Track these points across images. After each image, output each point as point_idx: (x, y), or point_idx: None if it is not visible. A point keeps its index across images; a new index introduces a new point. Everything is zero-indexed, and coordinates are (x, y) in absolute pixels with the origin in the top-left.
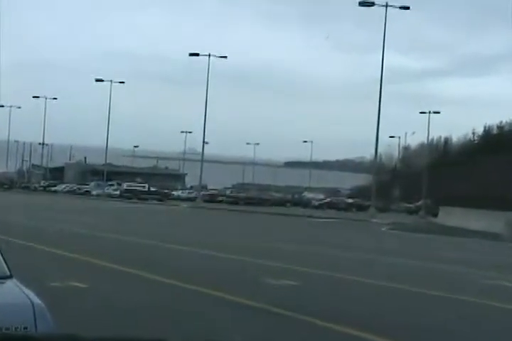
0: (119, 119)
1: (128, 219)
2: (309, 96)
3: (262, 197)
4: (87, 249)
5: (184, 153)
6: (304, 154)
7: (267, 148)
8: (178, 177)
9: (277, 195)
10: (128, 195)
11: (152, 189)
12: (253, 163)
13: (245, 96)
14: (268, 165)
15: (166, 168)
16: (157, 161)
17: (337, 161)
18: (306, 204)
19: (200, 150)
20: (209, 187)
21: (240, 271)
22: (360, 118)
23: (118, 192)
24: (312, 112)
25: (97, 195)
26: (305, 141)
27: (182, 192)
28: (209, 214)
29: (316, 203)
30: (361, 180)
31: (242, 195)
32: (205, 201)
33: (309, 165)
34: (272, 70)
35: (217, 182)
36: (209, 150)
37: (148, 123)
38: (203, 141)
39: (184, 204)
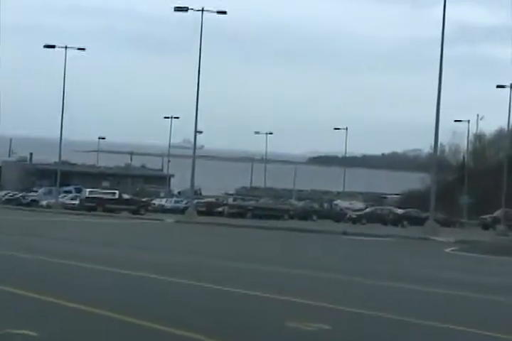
0: (79, 101)
1: (87, 238)
2: (342, 67)
3: (278, 206)
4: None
5: (169, 146)
6: (335, 146)
7: (283, 139)
8: (162, 180)
9: (299, 204)
10: (90, 206)
11: (125, 196)
12: (265, 160)
13: (252, 68)
14: (285, 161)
15: (144, 167)
16: (131, 158)
17: (382, 156)
18: (339, 216)
19: (192, 143)
20: (204, 193)
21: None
22: (413, 96)
23: (77, 202)
24: (346, 88)
25: (48, 206)
26: (337, 129)
27: (167, 201)
28: (204, 233)
29: (354, 215)
30: (416, 181)
31: (251, 203)
32: (200, 213)
33: (343, 162)
34: (288, 30)
35: (215, 186)
36: (204, 143)
37: (118, 106)
38: (195, 130)
39: (169, 219)
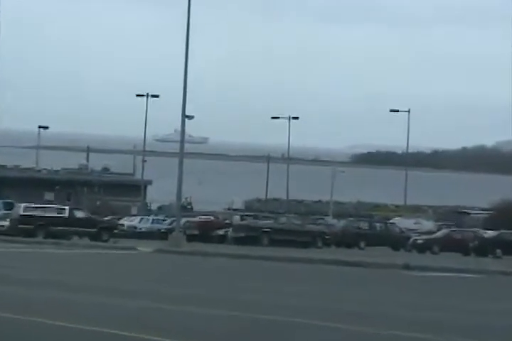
0: (8, 72)
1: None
2: (400, 22)
3: (308, 228)
4: None
5: (144, 139)
6: (391, 138)
7: (313, 128)
8: (134, 190)
9: (339, 224)
10: (27, 229)
11: (79, 215)
12: (287, 158)
13: (263, 20)
14: (318, 161)
15: (106, 170)
16: (87, 157)
17: (462, 151)
18: (398, 241)
19: (188, 134)
20: (197, 207)
21: None
22: (502, 68)
23: (6, 223)
24: (405, 55)
25: None
26: (394, 111)
27: (141, 221)
28: (198, 270)
29: (420, 239)
30: None
31: (267, 223)
32: (191, 237)
33: (403, 161)
34: None
35: (215, 196)
36: (208, 134)
37: (67, 79)
38: (183, 114)
39: (145, 247)
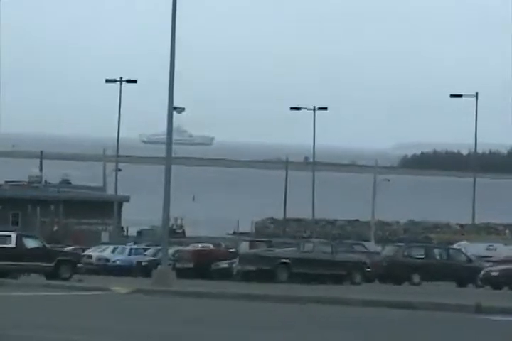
0: None
1: None
2: None
3: (342, 257)
4: None
5: (118, 140)
6: (451, 136)
7: (346, 123)
8: (105, 209)
9: (384, 252)
10: None
11: (30, 244)
12: (311, 164)
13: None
14: (354, 166)
15: (67, 182)
16: (40, 164)
17: None
18: (464, 273)
19: (187, 134)
20: (191, 232)
21: None
22: None
23: None
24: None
25: None
26: (456, 96)
27: (115, 251)
28: (192, 317)
29: (495, 271)
30: None
31: (285, 252)
32: (182, 272)
33: (469, 164)
34: None
35: (214, 217)
36: (214, 134)
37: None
38: (170, 104)
39: (121, 287)
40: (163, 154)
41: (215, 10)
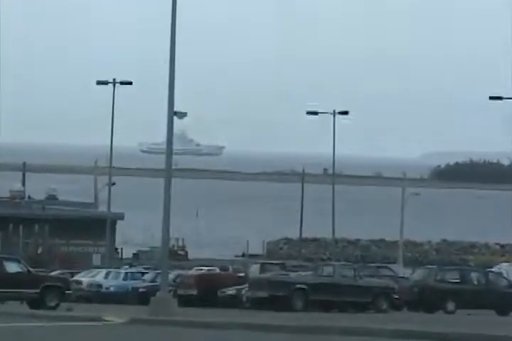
0: None
1: None
2: None
3: (367, 282)
4: None
5: (111, 149)
6: (489, 144)
7: (367, 130)
8: (96, 228)
9: (414, 276)
10: None
11: (12, 268)
12: (331, 176)
13: None
14: (380, 178)
15: (53, 198)
16: (23, 178)
17: None
18: (506, 300)
19: (194, 143)
20: (195, 253)
21: None
22: None
23: None
24: None
25: None
26: (495, 98)
27: (108, 276)
28: None
29: None
30: None
31: (301, 278)
32: (184, 299)
33: (511, 177)
34: None
35: (220, 237)
36: (224, 143)
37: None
38: (170, 104)
39: (117, 318)
40: (164, 165)
41: (226, 11)
